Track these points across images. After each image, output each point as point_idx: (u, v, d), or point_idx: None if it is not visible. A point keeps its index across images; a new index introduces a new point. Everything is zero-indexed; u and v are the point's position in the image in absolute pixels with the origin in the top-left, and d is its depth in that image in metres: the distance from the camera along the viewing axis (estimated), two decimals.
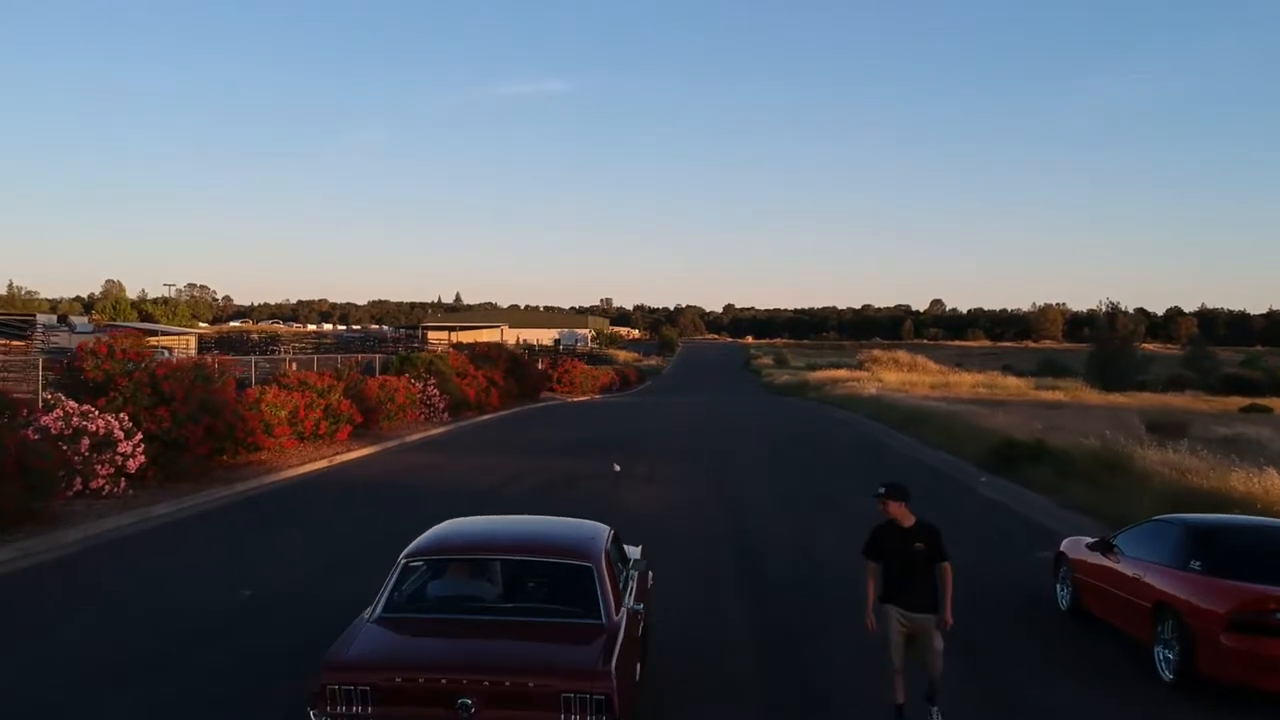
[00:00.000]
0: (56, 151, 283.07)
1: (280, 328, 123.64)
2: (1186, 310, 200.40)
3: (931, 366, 79.38)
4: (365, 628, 6.15)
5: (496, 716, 5.48)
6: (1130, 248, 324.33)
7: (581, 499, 16.53)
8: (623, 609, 6.48)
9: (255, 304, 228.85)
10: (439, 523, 7.45)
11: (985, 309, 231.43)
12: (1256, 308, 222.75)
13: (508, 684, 5.56)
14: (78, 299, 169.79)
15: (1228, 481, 14.50)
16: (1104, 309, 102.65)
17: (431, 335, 78.08)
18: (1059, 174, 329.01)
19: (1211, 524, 9.04)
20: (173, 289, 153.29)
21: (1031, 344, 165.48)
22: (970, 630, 8.42)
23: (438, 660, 5.80)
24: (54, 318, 67.68)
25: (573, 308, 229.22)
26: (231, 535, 14.13)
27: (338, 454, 22.90)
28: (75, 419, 15.42)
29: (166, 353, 36.64)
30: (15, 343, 40.30)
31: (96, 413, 15.88)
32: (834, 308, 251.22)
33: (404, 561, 6.57)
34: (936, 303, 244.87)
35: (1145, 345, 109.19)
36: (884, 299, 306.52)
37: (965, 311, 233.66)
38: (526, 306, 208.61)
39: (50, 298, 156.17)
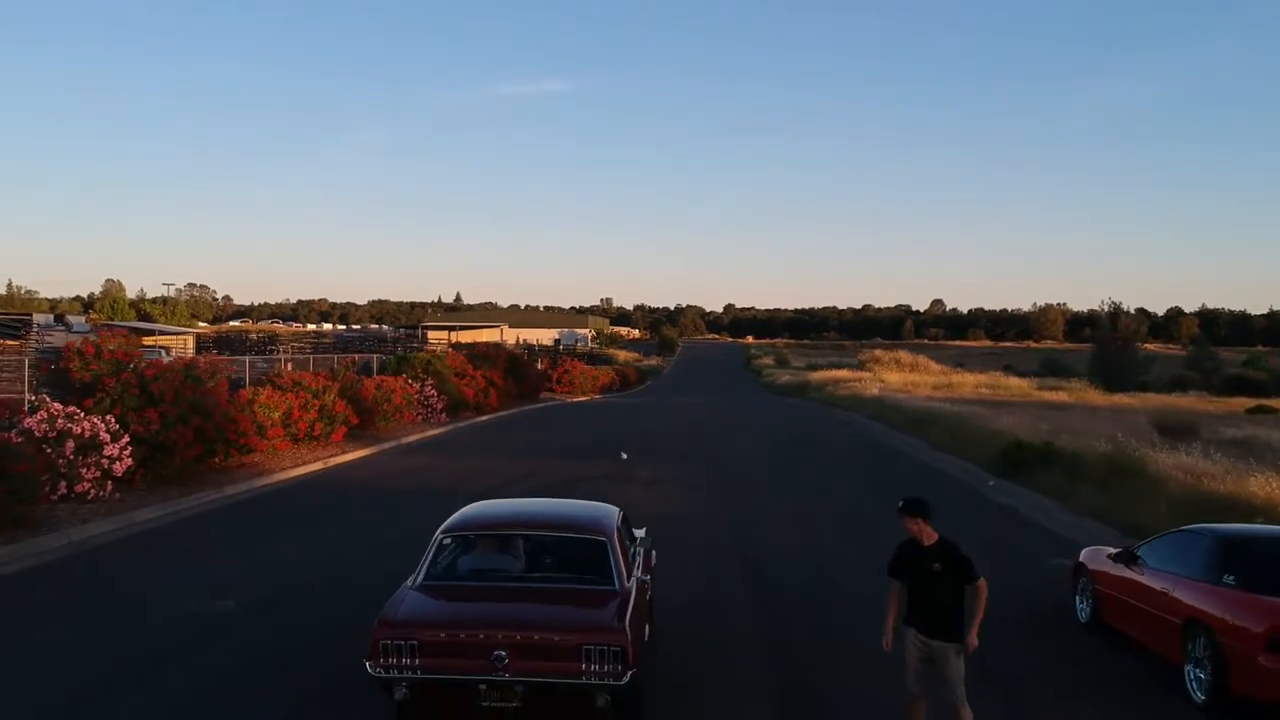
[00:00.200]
0: (56, 151, 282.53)
1: (280, 327, 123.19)
2: (1187, 310, 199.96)
3: (934, 367, 78.84)
4: (410, 593, 6.88)
5: (526, 666, 6.19)
6: (1130, 248, 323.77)
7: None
8: (633, 578, 7.23)
9: (255, 304, 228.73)
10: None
11: (986, 309, 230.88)
12: (1257, 308, 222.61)
13: (536, 638, 6.26)
14: (78, 299, 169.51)
15: (1247, 487, 14.06)
16: (1106, 309, 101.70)
17: (431, 335, 77.70)
18: (1059, 174, 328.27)
19: (1244, 535, 8.55)
20: (172, 288, 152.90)
21: (1032, 344, 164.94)
22: (985, 643, 7.93)
23: (476, 618, 6.52)
24: (51, 317, 67.16)
25: (573, 308, 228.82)
26: (218, 541, 13.69)
27: (332, 456, 22.48)
28: (60, 421, 15.03)
29: (163, 353, 36.27)
30: (10, 342, 39.94)
31: (82, 414, 15.47)
32: (834, 308, 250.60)
33: (440, 537, 7.35)
34: (937, 303, 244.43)
35: (1146, 345, 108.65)
36: (884, 299, 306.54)
37: (966, 311, 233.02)
38: (526, 306, 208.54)
39: (50, 297, 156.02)
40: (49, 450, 14.49)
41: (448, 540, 7.39)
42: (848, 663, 8.46)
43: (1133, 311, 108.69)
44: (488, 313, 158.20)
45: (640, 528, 9.13)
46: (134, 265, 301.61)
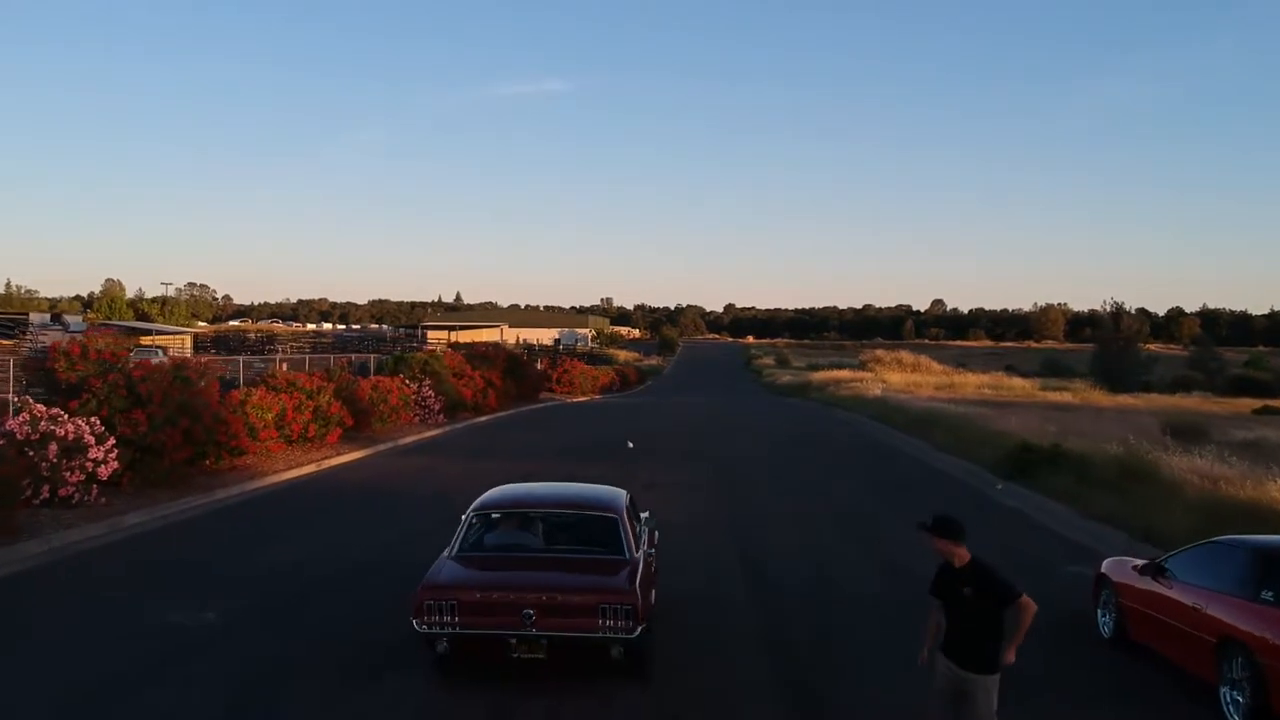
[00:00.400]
0: (56, 151, 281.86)
1: (279, 327, 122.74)
2: (1188, 310, 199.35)
3: (935, 367, 78.33)
4: (447, 562, 7.97)
5: (551, 623, 7.22)
6: (1131, 248, 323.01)
7: None
8: (640, 550, 8.26)
9: (255, 303, 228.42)
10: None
11: (986, 309, 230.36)
12: (1258, 308, 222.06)
13: (560, 599, 7.30)
14: (77, 298, 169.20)
15: (1268, 492, 13.58)
16: (1108, 308, 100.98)
17: (431, 335, 77.38)
18: (1059, 174, 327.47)
19: None
20: (171, 288, 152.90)
21: (1033, 344, 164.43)
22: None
23: (507, 582, 7.54)
24: (48, 317, 66.65)
25: (573, 307, 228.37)
26: (206, 547, 13.26)
27: (327, 458, 22.04)
28: (43, 423, 14.57)
29: (160, 352, 35.85)
30: (4, 342, 39.49)
31: (66, 416, 15.02)
32: (835, 308, 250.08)
33: (471, 515, 8.50)
34: (937, 303, 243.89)
35: (1148, 345, 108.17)
36: (885, 299, 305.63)
37: (966, 311, 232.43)
38: (526, 306, 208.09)
39: (50, 297, 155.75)
40: (31, 453, 14.04)
41: (476, 518, 8.47)
42: (848, 663, 8.45)
43: (1133, 311, 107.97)
44: (488, 313, 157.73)
45: (644, 511, 9.96)
46: (134, 265, 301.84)
